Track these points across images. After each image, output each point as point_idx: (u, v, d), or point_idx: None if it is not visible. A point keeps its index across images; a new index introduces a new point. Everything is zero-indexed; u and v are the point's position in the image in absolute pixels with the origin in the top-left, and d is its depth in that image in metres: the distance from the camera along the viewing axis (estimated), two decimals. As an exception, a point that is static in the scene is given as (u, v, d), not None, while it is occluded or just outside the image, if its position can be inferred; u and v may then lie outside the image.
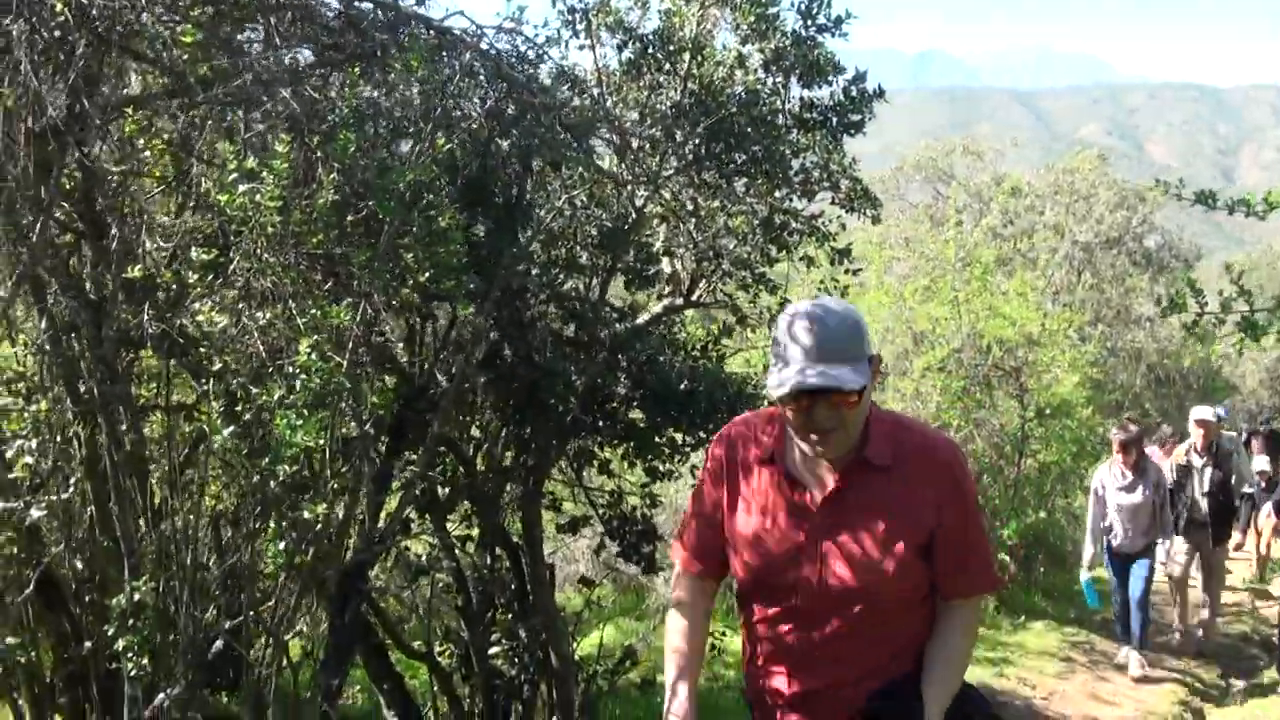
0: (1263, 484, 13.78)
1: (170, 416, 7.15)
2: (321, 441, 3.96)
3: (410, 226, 4.07)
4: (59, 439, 7.03)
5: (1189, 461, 10.80)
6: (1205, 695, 9.91)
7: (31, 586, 7.43)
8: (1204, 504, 10.68)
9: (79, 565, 7.59)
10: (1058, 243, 24.85)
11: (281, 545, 4.17)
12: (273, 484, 4.10)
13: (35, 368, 7.14)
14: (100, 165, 4.75)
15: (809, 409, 2.83)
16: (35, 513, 7.05)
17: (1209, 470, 10.65)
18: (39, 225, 4.75)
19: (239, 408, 4.22)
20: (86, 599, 7.67)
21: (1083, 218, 25.32)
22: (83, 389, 6.45)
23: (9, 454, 7.10)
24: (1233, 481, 10.83)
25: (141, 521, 5.42)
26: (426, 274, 4.15)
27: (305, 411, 3.75)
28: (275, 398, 3.82)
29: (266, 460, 3.92)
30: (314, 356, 3.80)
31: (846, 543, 2.96)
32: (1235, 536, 11.63)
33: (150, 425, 6.90)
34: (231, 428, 4.11)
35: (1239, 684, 10.19)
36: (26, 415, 6.74)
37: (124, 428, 5.55)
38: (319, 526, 4.39)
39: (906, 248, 20.30)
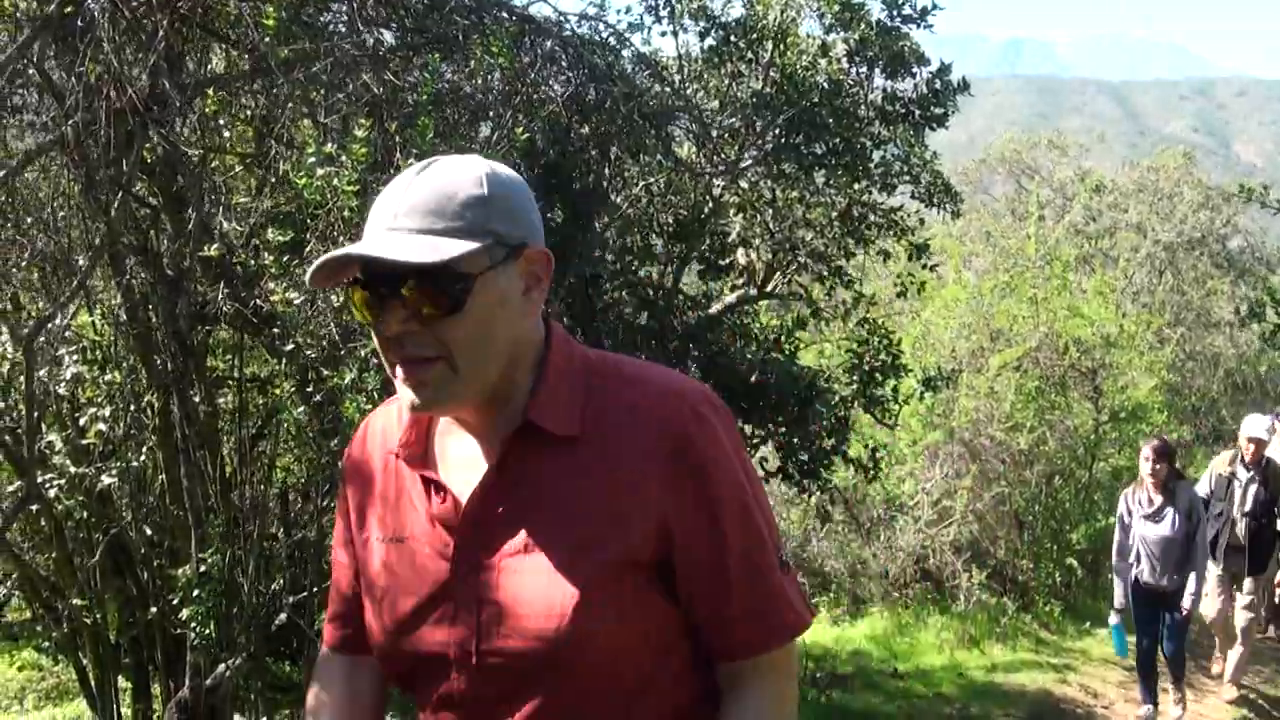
0: None
1: (244, 390, 7.26)
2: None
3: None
4: (133, 408, 7.17)
5: (1233, 473, 9.18)
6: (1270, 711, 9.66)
7: (101, 550, 7.60)
8: (1242, 525, 9.08)
9: (148, 532, 7.75)
10: (1139, 242, 24.38)
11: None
12: (341, 463, 4.12)
13: (111, 338, 7.29)
14: (181, 142, 4.80)
15: (376, 314, 1.65)
16: (107, 479, 7.21)
17: (1254, 487, 9.05)
18: (118, 199, 4.83)
19: (310, 388, 4.25)
20: (155, 565, 7.83)
21: (1166, 217, 24.80)
22: (158, 361, 6.57)
23: (83, 421, 7.26)
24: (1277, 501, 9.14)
25: (211, 492, 5.49)
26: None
27: (375, 395, 3.77)
28: (346, 381, 3.83)
29: (335, 442, 3.95)
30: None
31: (511, 573, 1.69)
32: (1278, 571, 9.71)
33: (224, 398, 7.01)
34: (302, 408, 4.14)
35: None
36: (102, 384, 6.87)
37: (197, 400, 5.63)
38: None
39: (987, 242, 20.04)
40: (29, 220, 6.65)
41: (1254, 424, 9.31)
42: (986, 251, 18.42)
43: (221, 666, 5.30)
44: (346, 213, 3.77)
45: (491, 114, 4.51)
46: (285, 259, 3.98)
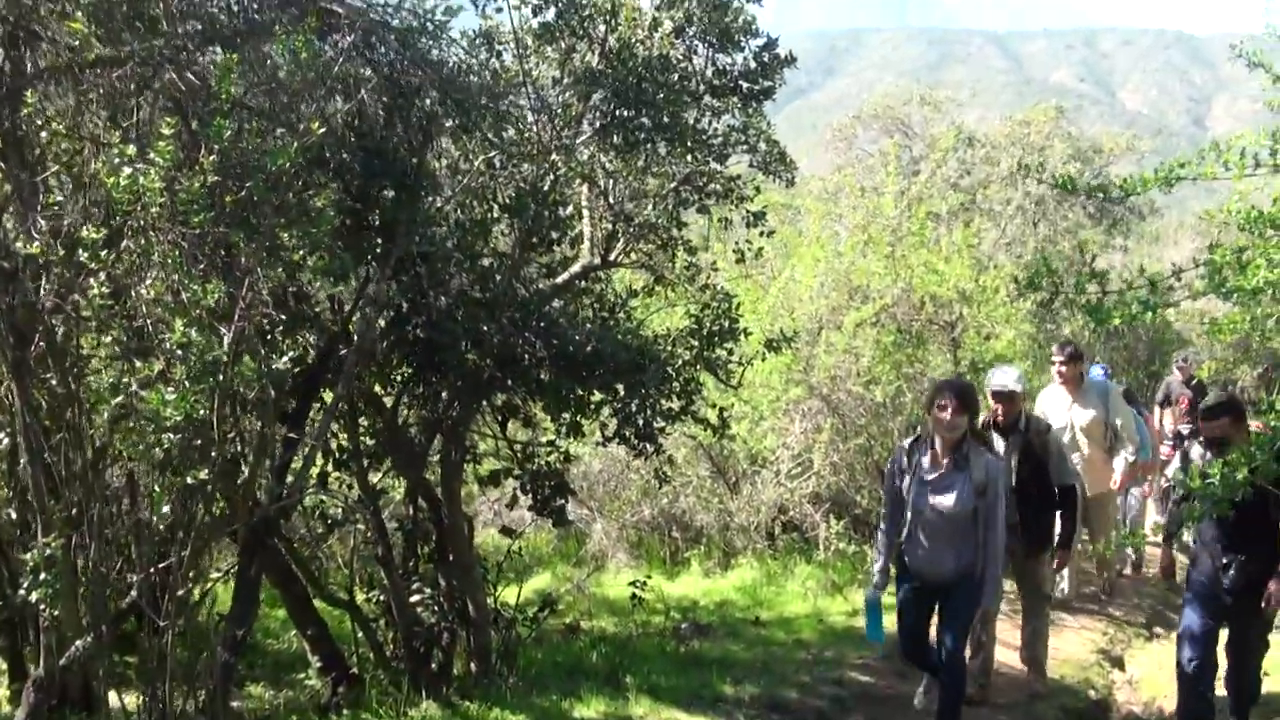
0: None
1: (84, 377, 7.35)
2: (203, 412, 4.16)
3: (288, 208, 4.24)
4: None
5: (989, 441, 7.31)
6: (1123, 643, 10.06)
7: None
8: (1010, 502, 7.09)
9: (12, 515, 7.80)
10: (1012, 194, 25.02)
11: (166, 509, 4.37)
12: (158, 450, 4.30)
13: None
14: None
15: None
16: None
17: (1013, 452, 7.56)
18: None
19: (125, 380, 4.41)
20: (22, 548, 7.88)
21: (1036, 169, 25.46)
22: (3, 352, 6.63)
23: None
24: (1051, 469, 7.67)
25: (56, 476, 5.61)
26: (300, 252, 4.34)
27: (186, 385, 3.95)
28: (155, 372, 4.02)
29: (150, 429, 4.12)
30: (192, 332, 3.99)
31: None
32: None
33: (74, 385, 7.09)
34: (116, 400, 4.30)
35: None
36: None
37: (53, 383, 5.74)
38: (210, 490, 4.59)
39: (861, 198, 20.46)
40: None
41: (1001, 375, 7.73)
42: (861, 208, 18.80)
43: (74, 646, 5.44)
44: (155, 209, 3.93)
45: (291, 112, 4.66)
46: (101, 256, 4.13)
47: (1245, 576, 6.50)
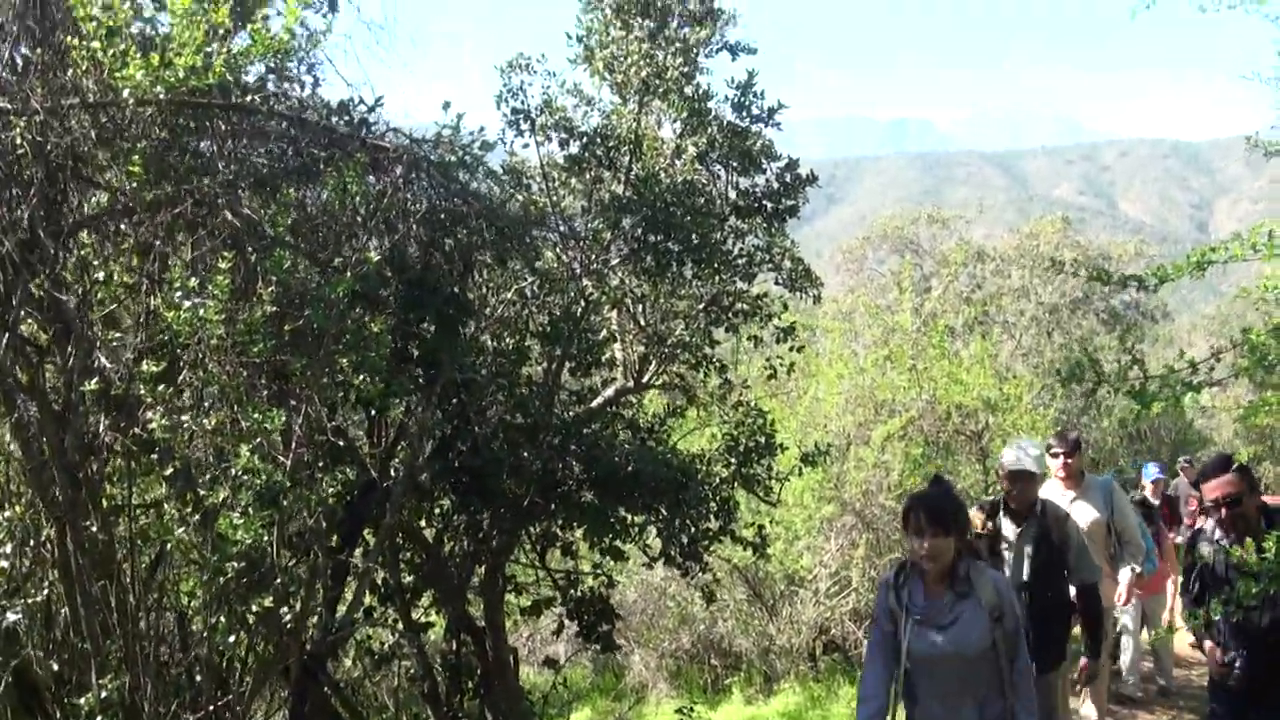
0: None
1: (134, 518, 7.38)
2: (267, 539, 4.20)
3: (345, 334, 4.34)
4: (33, 543, 7.25)
5: (995, 530, 6.63)
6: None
7: (7, 686, 7.59)
8: (1020, 603, 5.58)
9: (54, 666, 7.77)
10: (1025, 305, 25.24)
11: (231, 639, 4.38)
12: (222, 579, 4.32)
13: (5, 474, 7.37)
14: (62, 283, 5.03)
15: None
16: (11, 615, 7.26)
17: (1028, 547, 6.50)
18: (5, 338, 5.03)
19: (188, 510, 4.46)
20: (64, 699, 7.82)
21: (1047, 280, 25.73)
22: (54, 494, 6.68)
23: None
24: (1071, 563, 6.53)
25: (110, 620, 5.62)
26: (360, 377, 4.42)
27: (250, 510, 4.01)
28: (220, 499, 4.07)
29: (215, 558, 4.15)
30: (256, 459, 4.06)
31: None
32: (1080, 659, 6.80)
33: (120, 526, 7.12)
34: (182, 529, 4.34)
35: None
36: (2, 519, 6.96)
37: (94, 529, 5.78)
38: (271, 619, 4.60)
39: (875, 318, 20.67)
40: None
41: (1017, 452, 6.64)
42: (875, 326, 19.01)
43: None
44: (214, 340, 4.04)
45: (345, 243, 4.80)
46: (159, 388, 4.23)
47: (1253, 670, 5.67)
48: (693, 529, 7.22)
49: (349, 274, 4.47)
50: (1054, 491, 8.20)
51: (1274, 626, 5.60)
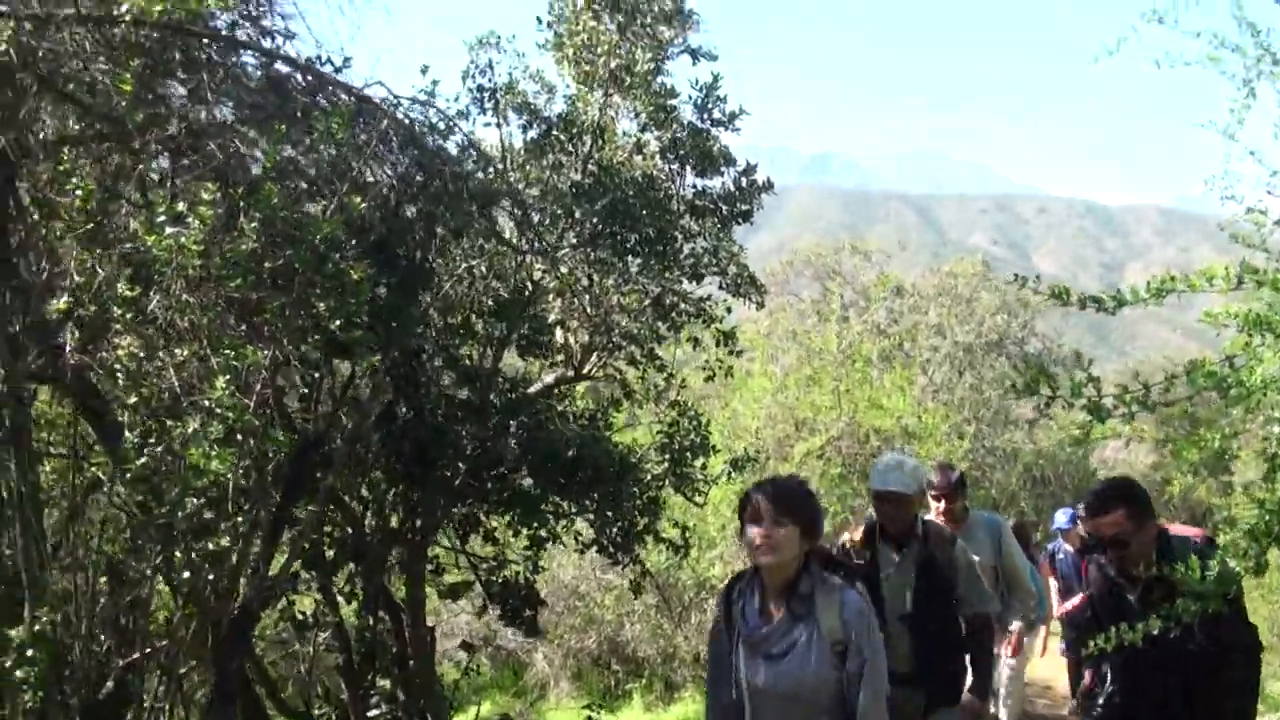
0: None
1: (68, 462, 7.24)
2: (230, 476, 4.13)
3: (322, 278, 4.29)
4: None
5: (867, 554, 5.66)
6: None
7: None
8: (901, 639, 5.43)
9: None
10: (940, 342, 25.67)
11: (184, 576, 4.30)
12: (179, 515, 4.24)
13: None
14: (19, 203, 4.92)
15: None
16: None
17: (908, 571, 5.59)
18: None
19: (152, 439, 4.36)
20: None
21: (964, 319, 26.21)
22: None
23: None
24: (960, 592, 5.68)
25: (47, 553, 5.48)
26: (336, 323, 4.37)
27: (217, 446, 3.94)
28: (190, 430, 4.00)
29: (175, 492, 4.07)
30: (228, 393, 4.00)
31: None
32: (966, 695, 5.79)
33: (43, 473, 6.95)
34: (144, 459, 4.24)
35: None
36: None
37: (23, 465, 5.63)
38: (220, 563, 4.52)
39: (794, 340, 20.88)
40: None
41: (886, 470, 5.66)
42: (793, 349, 19.21)
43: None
44: (191, 271, 3.97)
45: (327, 188, 4.75)
46: (130, 315, 4.14)
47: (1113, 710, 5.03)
48: (627, 520, 7.22)
49: (336, 217, 4.41)
50: None
51: (1175, 658, 4.84)
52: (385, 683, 7.39)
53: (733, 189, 7.75)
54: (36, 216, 4.52)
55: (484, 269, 7.24)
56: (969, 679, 5.73)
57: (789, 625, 3.89)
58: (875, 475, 5.69)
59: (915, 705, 5.39)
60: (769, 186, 7.88)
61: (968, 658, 5.74)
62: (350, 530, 7.21)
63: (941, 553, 5.61)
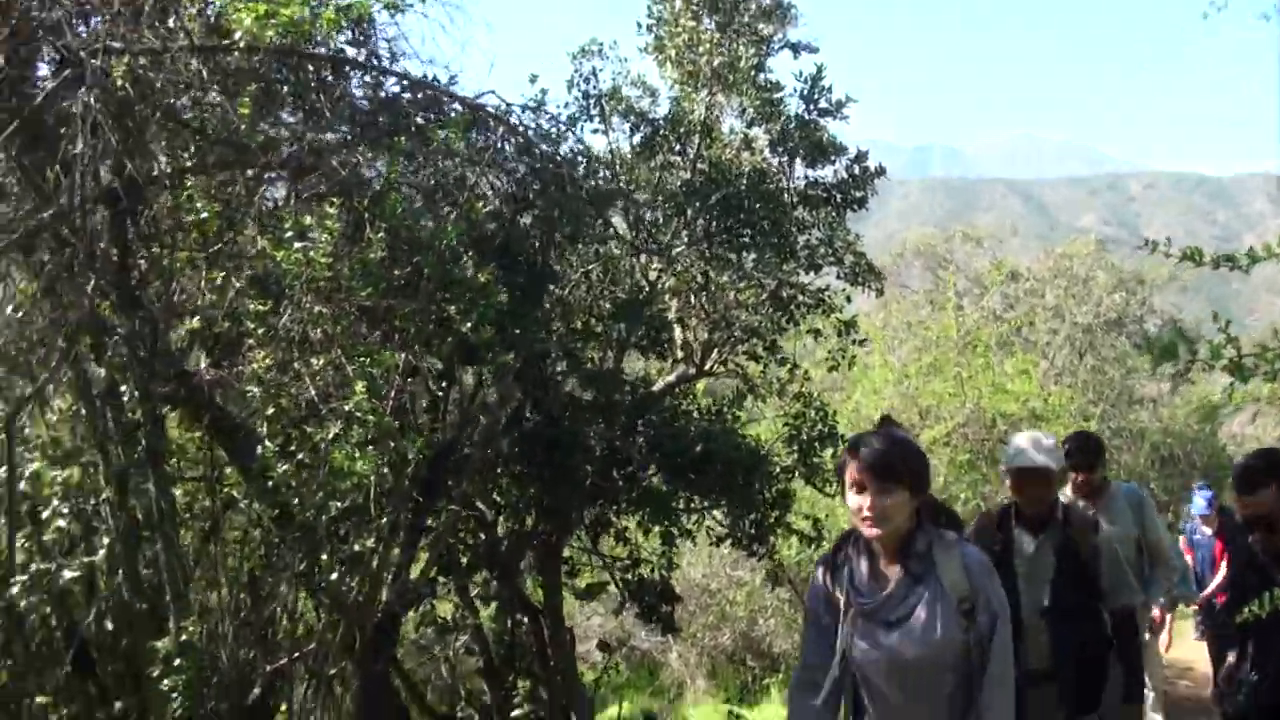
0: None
1: (201, 485, 7.49)
2: (372, 479, 4.25)
3: (450, 282, 4.40)
4: (91, 504, 7.35)
5: (1004, 541, 5.12)
6: None
7: (64, 647, 7.68)
8: (1039, 635, 4.96)
9: (109, 627, 7.84)
10: (1058, 325, 25.20)
11: (331, 578, 4.43)
12: (324, 518, 4.38)
13: (68, 436, 7.49)
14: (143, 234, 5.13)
15: None
16: (67, 574, 7.35)
17: (1046, 559, 5.05)
18: (90, 287, 5.13)
19: (293, 447, 4.51)
20: (117, 662, 7.88)
21: (1081, 300, 25.69)
22: (115, 454, 6.77)
23: (44, 515, 7.41)
24: (1103, 584, 5.07)
25: (189, 569, 5.70)
26: (468, 324, 4.47)
27: (357, 450, 4.07)
28: (330, 435, 4.13)
29: (319, 496, 4.20)
30: (366, 398, 4.13)
31: None
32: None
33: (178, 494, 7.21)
34: (285, 467, 4.38)
35: None
36: (59, 481, 7.06)
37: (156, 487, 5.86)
38: (362, 566, 4.65)
39: (909, 331, 20.66)
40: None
41: (1024, 445, 5.10)
42: (909, 339, 19.00)
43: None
44: (321, 283, 4.10)
45: (448, 197, 4.87)
46: (262, 330, 4.30)
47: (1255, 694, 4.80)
48: (760, 511, 7.25)
49: (461, 223, 4.53)
50: None
51: None
52: (526, 683, 7.51)
53: (845, 176, 7.74)
54: (158, 247, 4.70)
55: (600, 273, 7.34)
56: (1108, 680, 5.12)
57: (908, 588, 3.47)
58: (1013, 452, 5.14)
59: (1053, 707, 4.89)
60: (881, 172, 7.85)
61: (1112, 655, 5.11)
62: (484, 535, 7.34)
63: (1083, 538, 5.07)
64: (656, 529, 7.49)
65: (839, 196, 7.71)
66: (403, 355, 4.54)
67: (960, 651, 3.43)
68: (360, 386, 4.12)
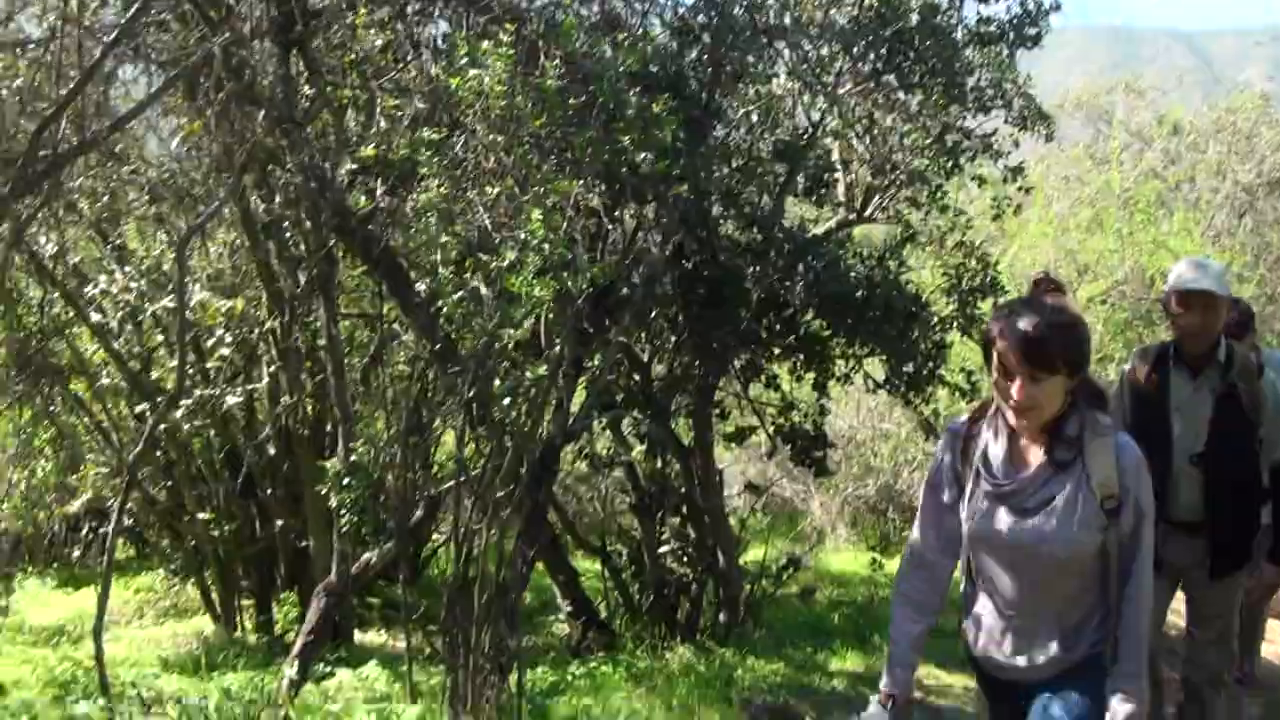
0: None
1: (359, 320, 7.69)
2: (550, 305, 4.29)
3: (625, 111, 4.34)
4: (255, 333, 7.60)
5: (1156, 378, 4.78)
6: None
7: (225, 469, 8.04)
8: (1191, 483, 4.69)
9: (271, 452, 8.17)
10: (1218, 184, 24.15)
11: (504, 403, 4.52)
12: (497, 345, 4.43)
13: (229, 268, 7.72)
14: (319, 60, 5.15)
15: None
16: (230, 400, 7.65)
17: (1204, 403, 4.69)
18: (255, 128, 5.22)
19: (467, 274, 4.56)
20: (280, 483, 8.24)
21: (1245, 157, 24.52)
22: (278, 286, 6.95)
23: (208, 344, 7.69)
24: (1262, 433, 4.71)
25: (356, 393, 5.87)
26: (642, 154, 4.42)
27: (534, 277, 4.10)
28: (506, 261, 4.15)
29: (493, 323, 4.25)
30: (544, 226, 4.13)
31: None
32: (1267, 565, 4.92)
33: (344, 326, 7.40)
34: (459, 293, 4.42)
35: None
36: (221, 311, 7.29)
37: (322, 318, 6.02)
38: (530, 398, 4.71)
39: (1067, 185, 20.02)
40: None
41: (1190, 269, 4.70)
42: (1068, 193, 18.41)
43: (366, 555, 5.66)
44: (496, 112, 4.07)
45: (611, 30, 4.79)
46: (437, 158, 4.30)
47: None
48: (918, 360, 7.16)
49: (634, 54, 4.45)
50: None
51: None
52: (675, 520, 7.64)
53: (1020, 11, 7.39)
54: (327, 81, 4.71)
55: (761, 113, 7.17)
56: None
57: (1049, 475, 3.08)
58: (1176, 275, 4.72)
59: (1199, 560, 4.70)
60: (1057, 7, 7.47)
61: (1267, 511, 4.81)
62: (639, 375, 7.39)
63: (1246, 383, 4.65)
64: (809, 376, 7.47)
65: (1012, 33, 7.38)
66: (579, 183, 4.49)
67: (1094, 552, 3.06)
68: (537, 214, 4.12)
